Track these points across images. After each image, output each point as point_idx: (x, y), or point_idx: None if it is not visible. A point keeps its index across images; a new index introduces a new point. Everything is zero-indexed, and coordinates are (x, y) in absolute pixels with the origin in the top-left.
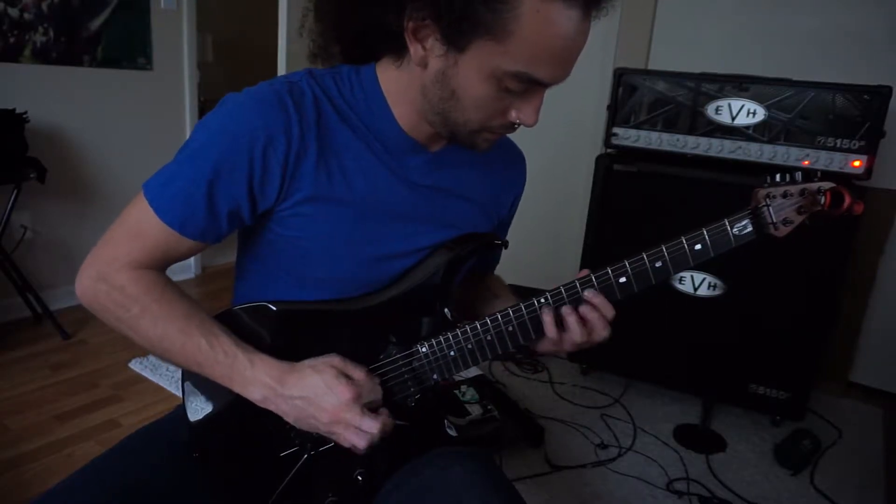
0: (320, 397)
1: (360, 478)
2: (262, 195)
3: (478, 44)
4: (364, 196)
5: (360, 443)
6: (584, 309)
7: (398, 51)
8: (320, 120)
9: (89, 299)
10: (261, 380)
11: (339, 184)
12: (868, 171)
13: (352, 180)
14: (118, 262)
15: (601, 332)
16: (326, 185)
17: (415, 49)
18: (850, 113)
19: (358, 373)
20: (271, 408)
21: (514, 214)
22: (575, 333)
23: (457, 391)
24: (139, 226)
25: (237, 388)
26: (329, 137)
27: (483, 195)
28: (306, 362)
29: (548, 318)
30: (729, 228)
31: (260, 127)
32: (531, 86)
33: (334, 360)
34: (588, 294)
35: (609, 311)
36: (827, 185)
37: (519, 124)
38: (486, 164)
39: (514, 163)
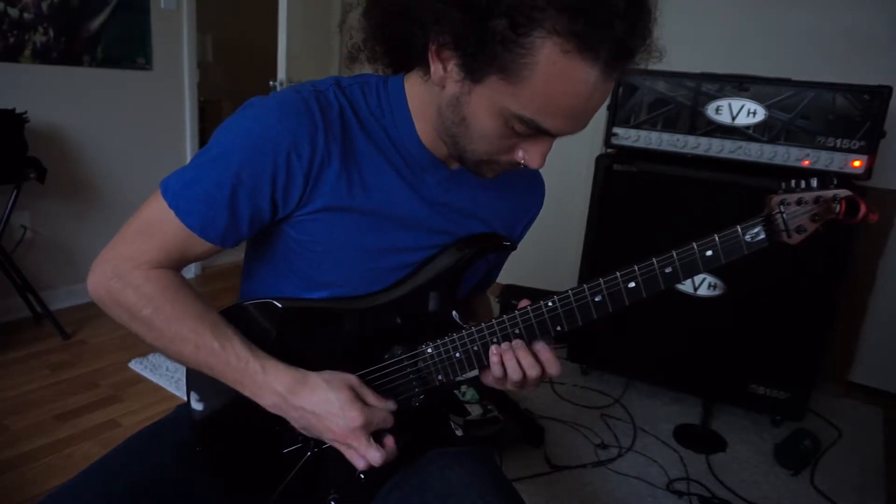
0: (330, 417)
1: (362, 476)
2: (283, 201)
3: (492, 80)
4: (380, 208)
5: (359, 465)
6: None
7: (426, 64)
8: (345, 131)
9: (101, 295)
10: (272, 387)
11: (358, 194)
12: (868, 171)
13: (370, 192)
14: (134, 261)
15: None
16: (346, 194)
17: (435, 68)
18: (850, 113)
19: (372, 398)
20: (280, 413)
21: (525, 235)
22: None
23: (457, 391)
24: (157, 226)
25: (248, 393)
26: (352, 149)
27: (497, 216)
28: (322, 375)
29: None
30: (741, 235)
31: (285, 134)
32: (537, 132)
33: (352, 380)
34: (539, 348)
35: (554, 370)
36: (843, 192)
37: (524, 165)
38: (504, 185)
39: (532, 186)
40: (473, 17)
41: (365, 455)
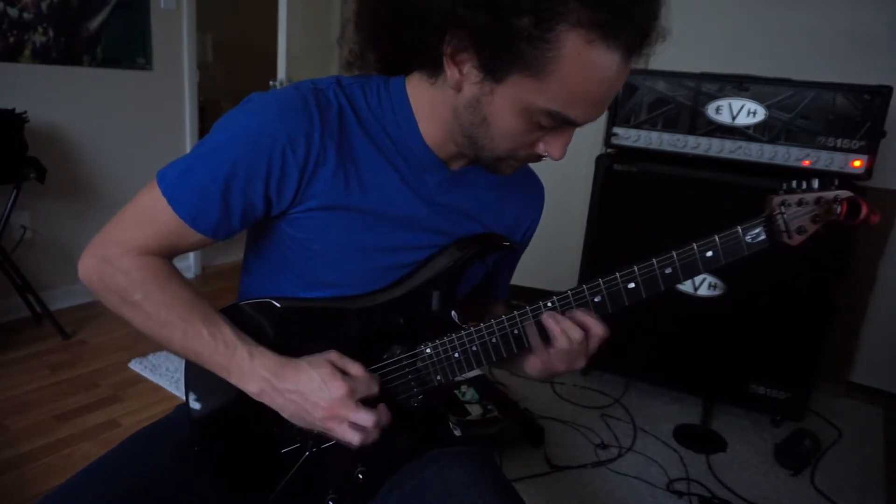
0: (314, 392)
1: (361, 476)
2: (277, 198)
3: (515, 77)
4: (378, 207)
5: (354, 438)
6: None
7: (433, 68)
8: (342, 129)
9: (92, 280)
10: (258, 373)
11: (355, 193)
12: (868, 171)
13: (367, 191)
14: (125, 246)
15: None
16: (342, 193)
17: (451, 72)
18: (851, 113)
19: (355, 368)
20: (267, 401)
21: (530, 242)
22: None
23: (457, 391)
24: (150, 213)
25: (234, 380)
26: (349, 147)
27: (496, 219)
28: (304, 357)
29: (532, 331)
30: (742, 236)
31: (282, 130)
32: (562, 124)
33: (331, 355)
34: (578, 314)
35: (599, 330)
36: (844, 193)
37: (546, 156)
38: (504, 188)
39: (531, 190)
40: (498, 19)
41: (356, 420)
